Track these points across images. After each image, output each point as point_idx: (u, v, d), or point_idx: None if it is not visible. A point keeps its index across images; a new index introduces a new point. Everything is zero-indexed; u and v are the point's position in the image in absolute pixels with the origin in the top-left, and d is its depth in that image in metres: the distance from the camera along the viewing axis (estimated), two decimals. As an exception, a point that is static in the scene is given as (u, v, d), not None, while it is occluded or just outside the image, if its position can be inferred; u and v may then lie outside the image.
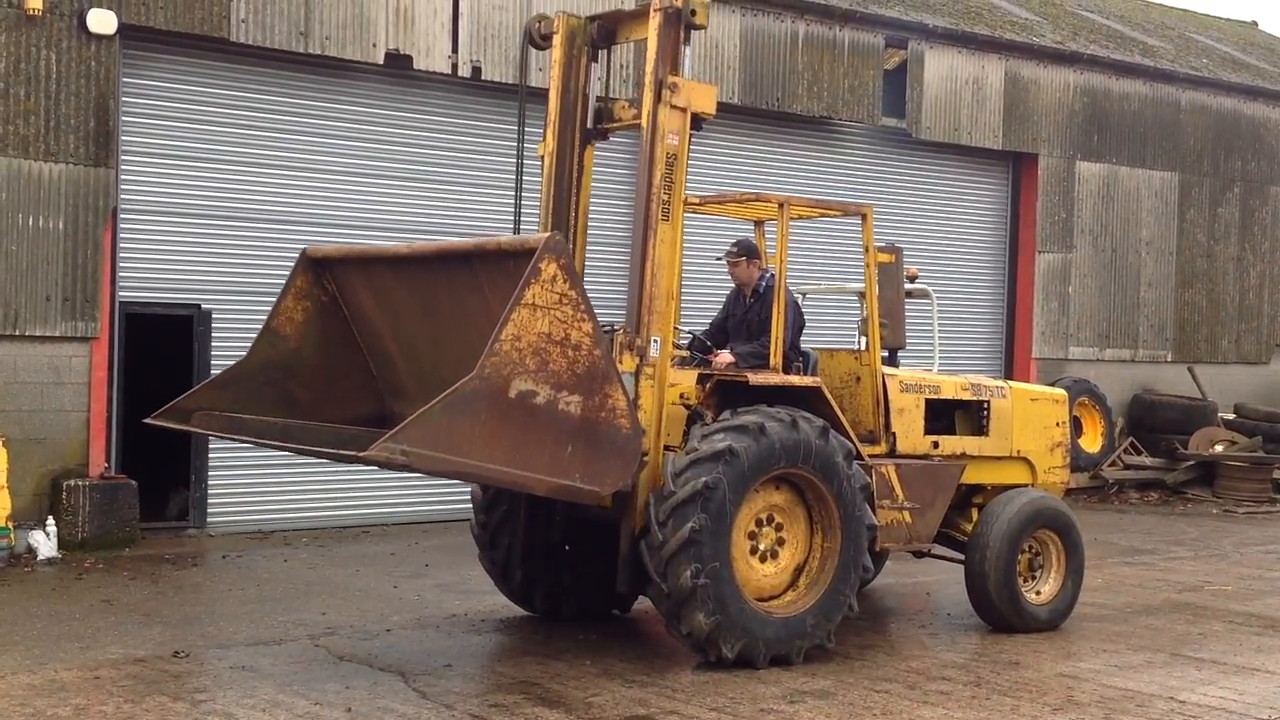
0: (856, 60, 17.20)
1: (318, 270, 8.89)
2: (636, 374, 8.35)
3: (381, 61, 13.85)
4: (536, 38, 9.33)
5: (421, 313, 8.44)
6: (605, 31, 9.24)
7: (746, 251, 9.83)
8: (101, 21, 12.31)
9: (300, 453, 9.14)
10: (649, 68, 8.56)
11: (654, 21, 8.58)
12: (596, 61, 9.28)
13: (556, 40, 9.14)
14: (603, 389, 7.40)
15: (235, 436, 8.51)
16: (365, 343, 8.97)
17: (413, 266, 8.44)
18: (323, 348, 8.85)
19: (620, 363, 8.09)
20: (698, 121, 8.75)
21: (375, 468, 14.06)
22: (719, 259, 10.01)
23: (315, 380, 8.79)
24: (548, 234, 7.44)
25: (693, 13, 8.57)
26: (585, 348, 7.29)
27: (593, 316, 7.35)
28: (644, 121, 8.58)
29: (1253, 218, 21.88)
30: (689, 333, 9.94)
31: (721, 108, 9.56)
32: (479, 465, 6.93)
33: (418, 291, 8.42)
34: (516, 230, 9.60)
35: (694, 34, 8.99)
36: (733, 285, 10.14)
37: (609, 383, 7.44)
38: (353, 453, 6.79)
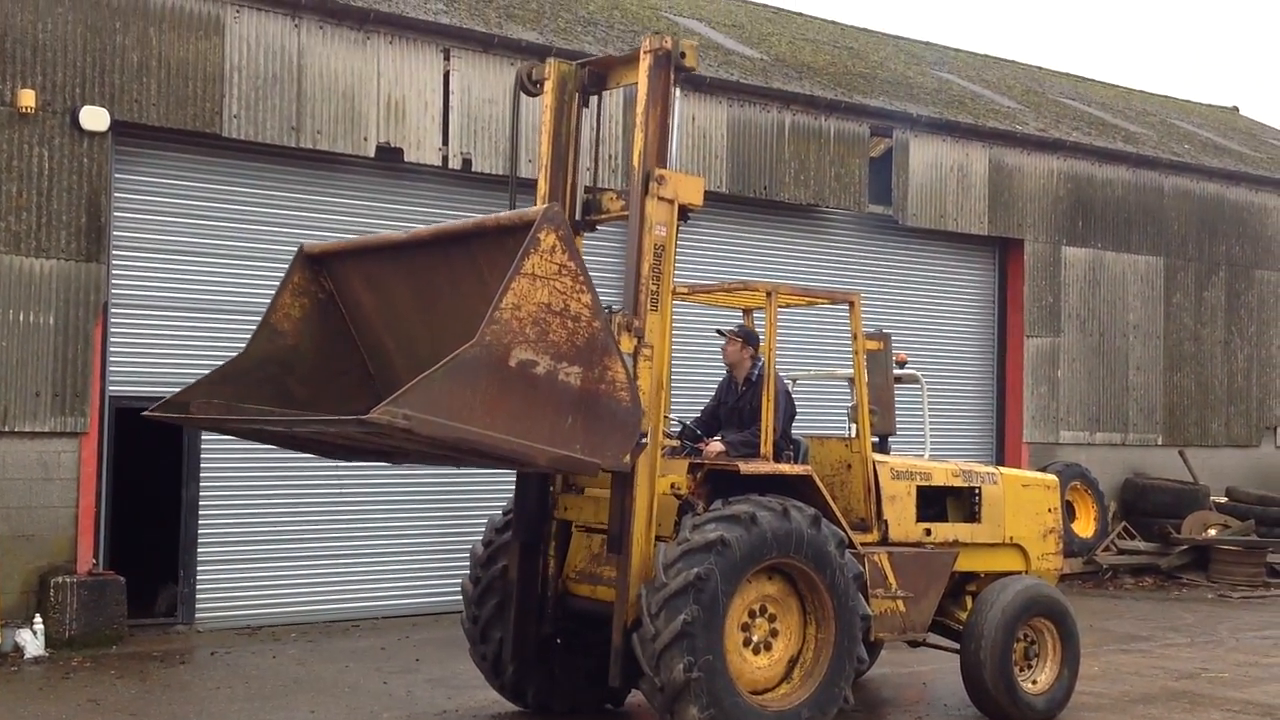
0: (842, 149, 17.38)
1: (315, 267, 8.82)
2: (635, 354, 8.30)
3: (373, 155, 13.98)
4: (528, 83, 9.36)
5: (419, 305, 8.36)
6: (596, 77, 9.30)
7: (745, 336, 9.88)
8: (94, 119, 12.42)
9: (293, 441, 8.83)
10: (639, 110, 8.60)
11: (644, 64, 8.65)
12: (587, 107, 9.34)
13: (548, 86, 9.20)
14: (602, 361, 7.35)
15: (231, 423, 8.36)
16: (362, 340, 8.89)
17: (410, 254, 8.38)
18: (320, 345, 8.77)
19: (618, 344, 8.02)
20: (685, 213, 8.80)
21: (364, 559, 14.06)
22: (720, 334, 10.04)
23: (312, 376, 8.70)
24: (546, 205, 7.43)
25: (682, 55, 8.63)
26: (585, 319, 7.26)
27: (591, 289, 7.31)
28: (632, 214, 8.63)
29: (1239, 301, 22.02)
30: (679, 421, 9.94)
31: (709, 196, 9.64)
32: (480, 433, 6.83)
33: (415, 282, 8.34)
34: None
35: (681, 125, 9.09)
36: (725, 373, 10.17)
37: (608, 355, 7.40)
38: (354, 415, 6.73)
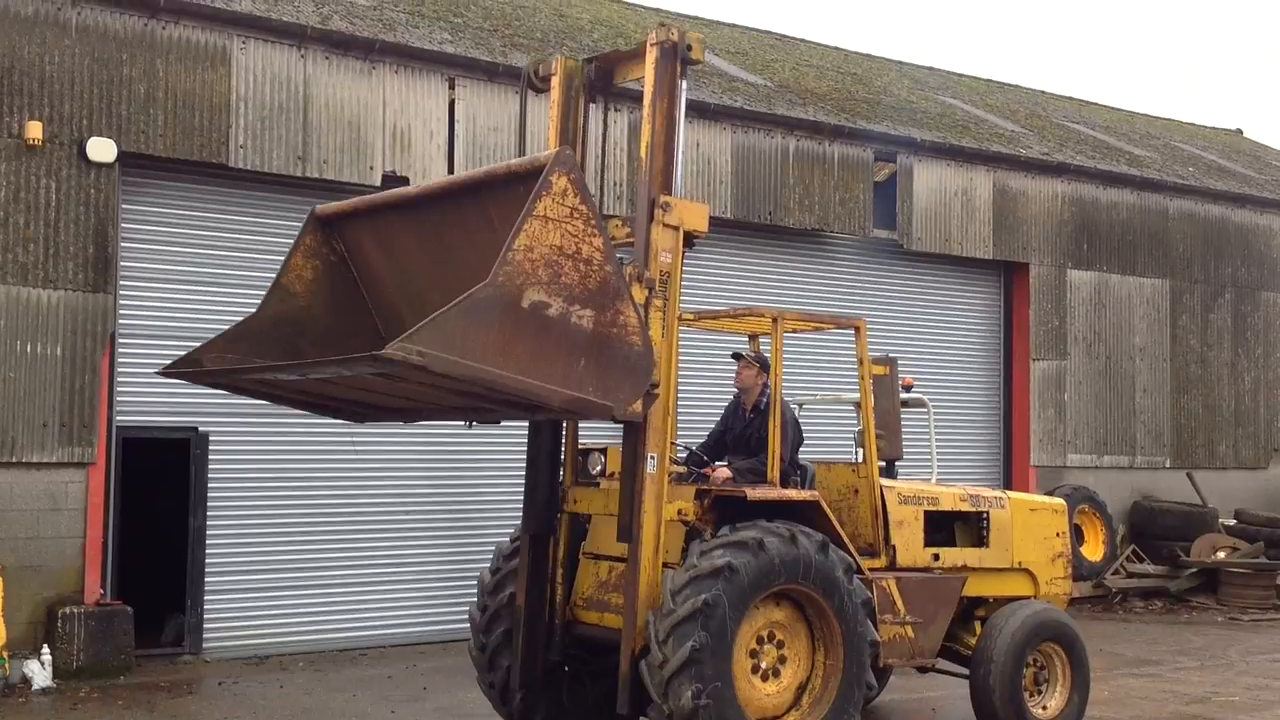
0: (847, 174, 17.42)
1: (326, 229, 8.79)
2: (646, 305, 8.25)
3: (379, 183, 13.94)
4: (535, 80, 9.36)
5: (431, 263, 8.32)
6: (603, 73, 9.27)
7: (762, 362, 9.88)
8: (101, 150, 12.48)
9: (305, 399, 8.75)
10: (646, 104, 8.58)
11: (650, 56, 8.63)
12: (595, 104, 9.34)
13: (554, 82, 9.19)
14: (614, 305, 7.32)
15: (244, 379, 8.23)
16: (374, 302, 8.84)
17: (422, 210, 8.36)
18: (332, 306, 8.72)
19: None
20: (691, 239, 8.81)
21: (371, 587, 14.04)
22: (735, 358, 10.04)
23: (324, 338, 8.63)
24: (558, 149, 7.42)
25: (688, 48, 8.60)
26: (597, 262, 7.23)
27: (604, 233, 7.30)
28: (638, 240, 8.64)
29: (1245, 323, 22.00)
30: (685, 447, 9.94)
31: (714, 222, 9.65)
32: (494, 372, 6.78)
33: (427, 239, 8.31)
34: None
35: (687, 151, 9.08)
36: (731, 399, 10.17)
37: (620, 299, 7.37)
38: (368, 353, 6.68)
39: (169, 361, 12.95)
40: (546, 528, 9.13)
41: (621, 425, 8.38)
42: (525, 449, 9.19)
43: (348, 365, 7.00)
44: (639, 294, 8.23)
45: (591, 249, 7.19)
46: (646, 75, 8.64)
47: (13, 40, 12.18)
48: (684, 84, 8.74)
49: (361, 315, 8.82)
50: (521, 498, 9.22)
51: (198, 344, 13.16)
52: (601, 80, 9.29)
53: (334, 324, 8.66)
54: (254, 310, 8.53)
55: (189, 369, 8.30)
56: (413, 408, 8.34)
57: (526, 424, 9.25)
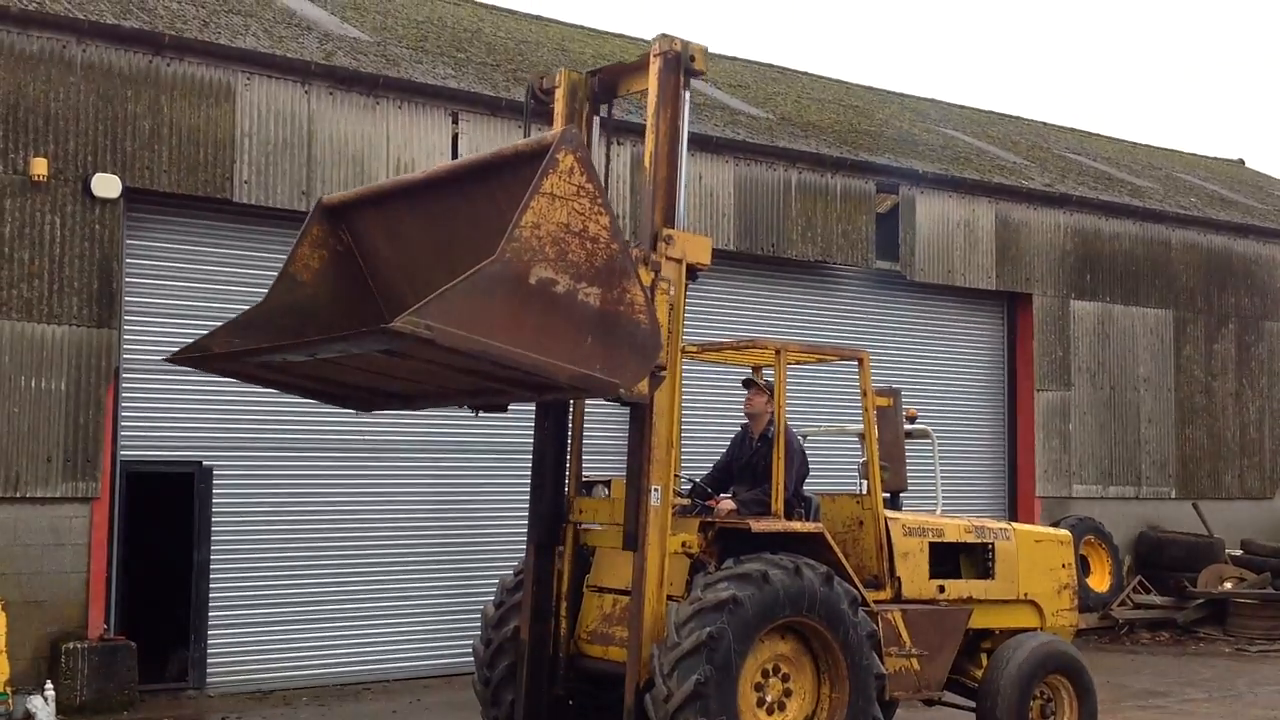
0: (849, 205, 17.46)
1: (333, 219, 8.78)
2: (651, 287, 8.24)
3: (381, 218, 14.04)
4: (538, 92, 9.38)
5: (437, 249, 8.30)
6: (606, 85, 9.30)
7: (771, 390, 9.88)
8: (106, 186, 12.53)
9: (310, 385, 8.71)
10: (650, 114, 8.60)
11: (654, 67, 8.64)
12: (598, 115, 9.36)
13: (558, 94, 9.21)
14: (621, 283, 7.31)
15: (250, 365, 8.22)
16: (380, 293, 8.81)
17: (428, 196, 8.34)
18: (338, 296, 8.69)
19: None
20: (693, 272, 8.83)
21: (374, 621, 14.00)
22: (746, 385, 10.03)
23: (331, 326, 8.56)
24: (564, 128, 7.41)
25: (691, 58, 8.62)
26: (603, 240, 7.22)
27: (610, 211, 7.30)
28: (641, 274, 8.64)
29: (1249, 353, 21.99)
30: (689, 479, 9.93)
31: (717, 254, 9.67)
32: (501, 347, 6.76)
33: (433, 225, 8.29)
34: None
35: (689, 183, 9.08)
36: (739, 429, 10.16)
37: (627, 277, 7.35)
38: (377, 327, 6.64)
39: (173, 396, 13.15)
40: (552, 536, 9.12)
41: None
42: (529, 481, 9.20)
43: (355, 342, 6.98)
44: (645, 276, 8.22)
45: (598, 227, 7.19)
46: (650, 85, 8.66)
47: (18, 78, 12.25)
48: (687, 94, 8.75)
49: (368, 304, 8.79)
50: (524, 533, 9.21)
51: (202, 378, 13.32)
52: (605, 92, 9.31)
53: (340, 312, 8.62)
54: (260, 301, 8.51)
55: (196, 354, 8.29)
56: (419, 392, 8.31)
57: (531, 453, 9.25)
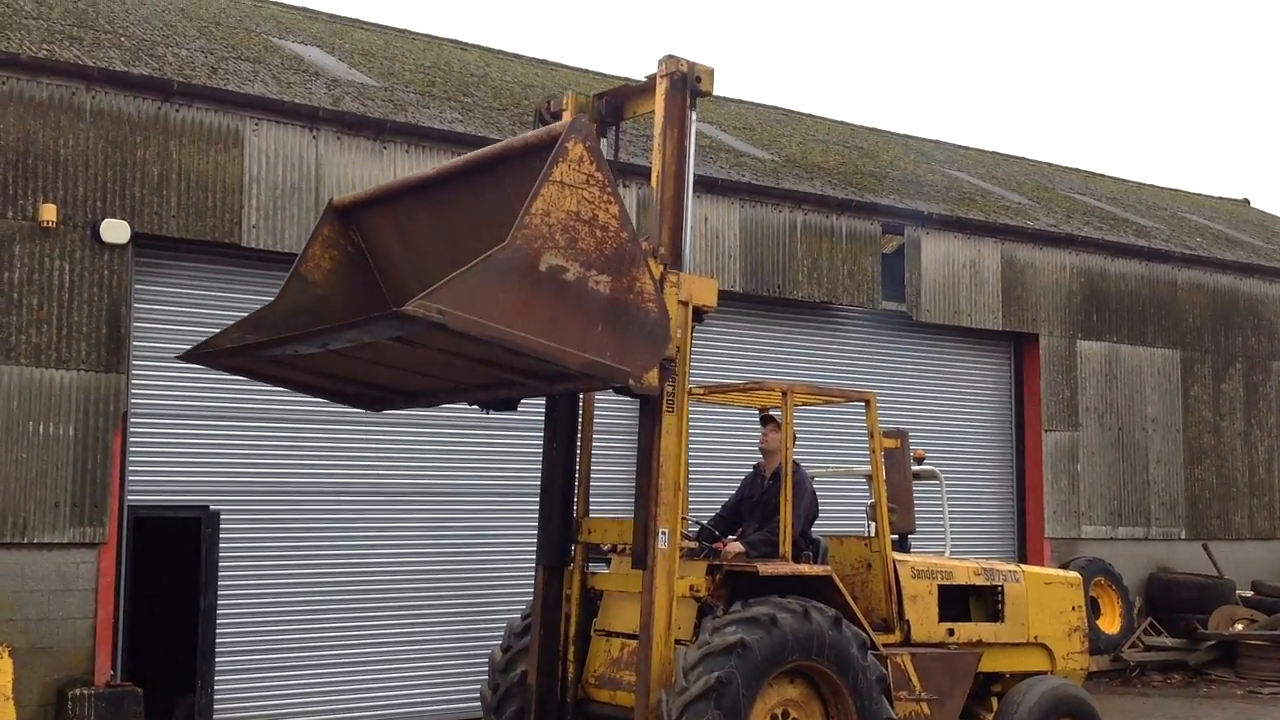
0: (855, 246, 17.50)
1: (344, 220, 8.80)
2: (660, 280, 8.23)
3: (388, 262, 14.09)
4: (546, 116, 9.44)
5: (446, 246, 8.30)
6: (613, 107, 9.35)
7: None
8: (115, 232, 12.58)
9: (319, 383, 8.68)
10: (656, 134, 8.63)
11: (660, 88, 8.69)
12: (605, 138, 9.40)
13: (565, 117, 9.27)
14: (630, 271, 7.34)
15: (262, 363, 8.21)
16: (390, 294, 8.80)
17: (437, 193, 8.35)
18: (349, 296, 8.69)
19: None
20: (700, 314, 8.85)
21: (381, 666, 13.94)
22: (763, 420, 10.02)
23: None
24: (573, 118, 7.42)
25: (698, 79, 8.67)
26: (613, 229, 7.25)
27: (619, 201, 7.33)
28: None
29: (1257, 393, 21.95)
30: (697, 522, 9.92)
31: (723, 296, 9.69)
32: (513, 334, 6.76)
33: (442, 221, 8.29)
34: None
35: (695, 225, 9.10)
36: (751, 469, 10.16)
37: (636, 266, 7.38)
38: (389, 311, 6.61)
39: (181, 440, 13.17)
40: (561, 558, 9.10)
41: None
42: (538, 504, 9.20)
43: (367, 329, 6.97)
44: (654, 268, 8.24)
45: (608, 215, 7.24)
46: (657, 106, 8.70)
47: (28, 125, 12.33)
48: (694, 115, 8.79)
49: (378, 304, 8.81)
50: (531, 577, 9.19)
51: (209, 422, 13.35)
52: (612, 114, 9.37)
53: (351, 312, 8.63)
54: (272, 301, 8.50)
55: (208, 350, 8.30)
56: (430, 388, 8.29)
57: (540, 481, 9.21)
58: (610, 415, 13.19)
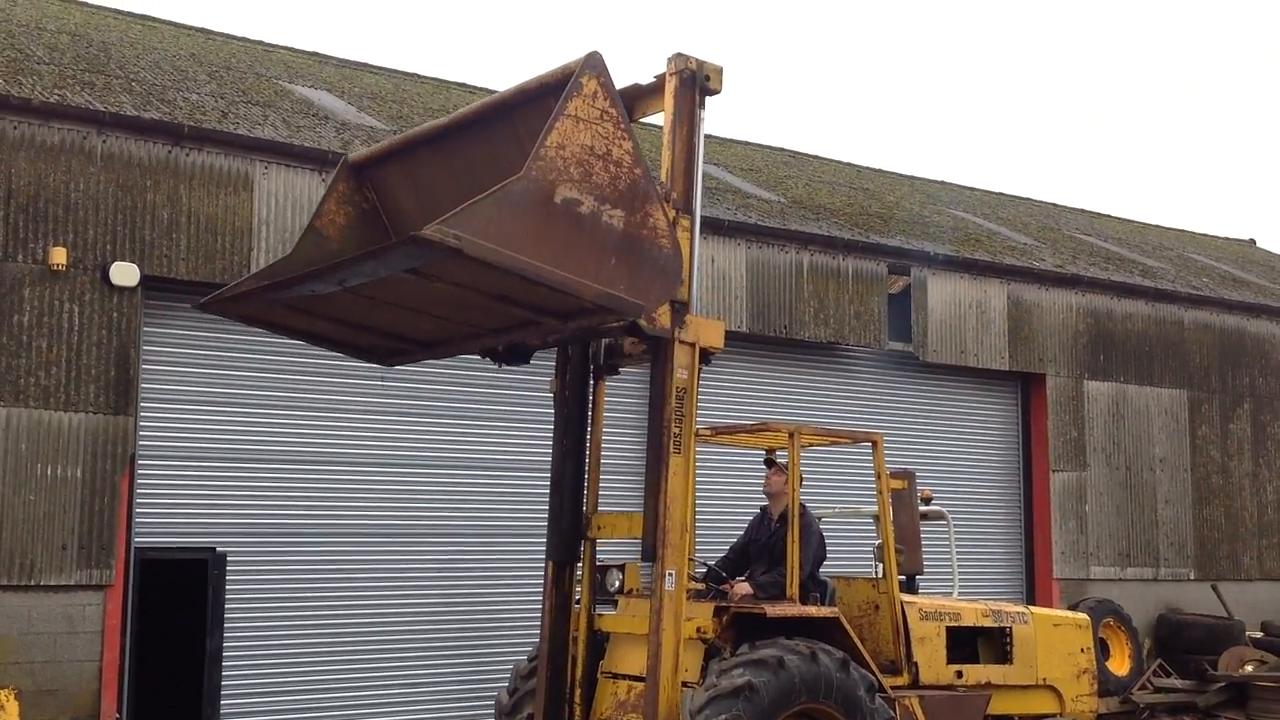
0: (861, 287, 17.54)
1: (359, 177, 8.81)
2: (673, 223, 8.13)
3: (396, 303, 14.14)
4: None
5: (462, 197, 8.21)
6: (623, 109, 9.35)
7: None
8: (124, 275, 12.64)
9: (332, 338, 8.68)
10: (666, 131, 8.63)
11: (670, 85, 8.69)
12: None
13: None
14: (644, 207, 7.36)
15: (281, 291, 8.04)
16: None
17: (451, 143, 8.36)
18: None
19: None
20: (706, 355, 8.86)
21: (387, 707, 13.89)
22: (768, 464, 10.01)
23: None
24: (588, 54, 7.45)
25: (707, 78, 8.66)
26: (627, 165, 7.27)
27: (633, 137, 7.35)
28: (654, 357, 8.67)
29: (1265, 433, 21.91)
30: (704, 563, 9.91)
31: (730, 337, 9.71)
32: (529, 262, 6.75)
33: (457, 173, 8.27)
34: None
35: (701, 266, 9.10)
36: (758, 511, 10.16)
37: (650, 202, 7.40)
38: (406, 237, 6.59)
39: (188, 483, 13.18)
40: (570, 555, 9.07)
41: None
42: (542, 559, 9.18)
43: (385, 258, 6.95)
44: (668, 211, 8.21)
45: (621, 151, 7.27)
46: (666, 104, 8.71)
47: (39, 169, 12.42)
48: (703, 114, 8.81)
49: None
50: (537, 619, 9.18)
51: (217, 464, 13.38)
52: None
53: None
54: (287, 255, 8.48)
55: (223, 297, 8.32)
56: (443, 334, 8.28)
57: (550, 475, 9.15)
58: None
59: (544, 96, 7.66)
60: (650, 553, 8.36)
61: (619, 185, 7.26)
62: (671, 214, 8.20)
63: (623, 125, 7.32)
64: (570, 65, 7.44)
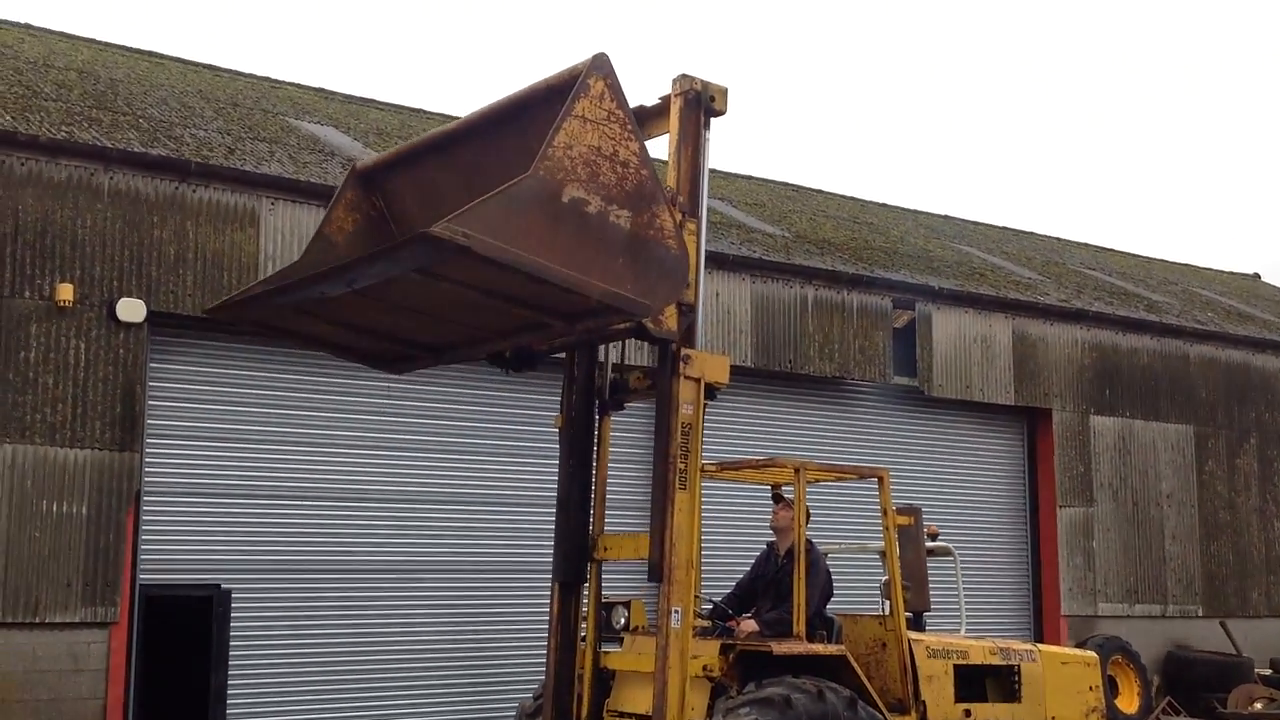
0: (866, 321, 17.54)
1: (367, 185, 8.82)
2: (679, 226, 8.03)
3: (402, 339, 14.14)
4: None
5: (469, 201, 8.28)
6: None
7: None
8: (131, 311, 12.66)
9: (337, 344, 8.68)
10: (671, 152, 8.60)
11: (675, 106, 8.67)
12: None
13: None
14: (650, 208, 7.34)
15: (286, 315, 8.12)
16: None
17: (459, 150, 8.37)
18: None
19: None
20: (712, 391, 8.84)
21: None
22: (776, 499, 9.97)
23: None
24: (595, 55, 7.44)
25: (712, 98, 8.64)
26: (633, 166, 7.26)
27: (640, 139, 7.35)
28: (659, 392, 8.65)
29: (1271, 468, 21.85)
30: (710, 600, 9.86)
31: (735, 371, 9.69)
32: (536, 261, 6.71)
33: (464, 178, 8.27)
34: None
35: (706, 301, 9.07)
36: (765, 547, 10.12)
37: (656, 203, 7.39)
38: (416, 233, 6.56)
39: (193, 519, 13.16)
40: (577, 576, 9.01)
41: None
42: (547, 595, 9.13)
43: (394, 257, 6.92)
44: (673, 213, 8.18)
45: (628, 152, 7.26)
46: (671, 125, 8.70)
47: (46, 205, 12.46)
48: (708, 134, 8.80)
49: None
50: (542, 656, 9.12)
51: (222, 500, 13.35)
52: None
53: None
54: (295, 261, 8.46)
55: (232, 302, 8.30)
56: (450, 339, 8.28)
57: (556, 500, 9.12)
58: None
59: (551, 100, 7.66)
60: (657, 573, 8.31)
61: (626, 186, 7.26)
62: (678, 216, 8.21)
63: (630, 126, 7.33)
64: (577, 67, 7.47)
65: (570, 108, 7.08)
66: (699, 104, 8.70)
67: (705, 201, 8.76)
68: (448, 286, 7.17)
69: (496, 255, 6.55)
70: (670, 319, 7.98)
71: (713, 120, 8.79)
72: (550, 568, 9.31)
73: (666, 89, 8.70)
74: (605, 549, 9.15)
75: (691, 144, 8.68)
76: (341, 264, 7.64)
